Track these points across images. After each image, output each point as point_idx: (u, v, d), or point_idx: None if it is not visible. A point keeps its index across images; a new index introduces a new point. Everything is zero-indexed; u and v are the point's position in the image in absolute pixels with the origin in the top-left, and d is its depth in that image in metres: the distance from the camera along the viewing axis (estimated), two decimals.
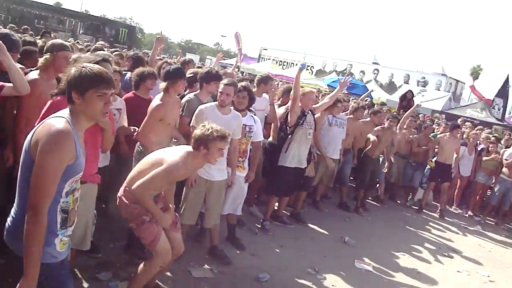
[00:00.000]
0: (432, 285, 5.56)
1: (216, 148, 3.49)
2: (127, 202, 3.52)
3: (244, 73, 22.10)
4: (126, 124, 4.59)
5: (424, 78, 36.32)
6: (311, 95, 6.07)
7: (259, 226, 6.09)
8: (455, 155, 9.16)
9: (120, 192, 3.60)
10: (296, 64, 25.45)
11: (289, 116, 5.96)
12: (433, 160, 9.12)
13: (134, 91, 5.03)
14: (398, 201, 9.43)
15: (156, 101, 4.41)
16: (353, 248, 6.20)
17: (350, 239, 6.38)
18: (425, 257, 6.51)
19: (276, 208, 6.45)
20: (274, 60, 40.70)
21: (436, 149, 9.22)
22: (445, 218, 9.00)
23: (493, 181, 9.62)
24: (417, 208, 9.15)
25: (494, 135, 11.15)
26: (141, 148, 4.37)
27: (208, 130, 3.47)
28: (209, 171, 4.51)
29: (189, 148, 3.57)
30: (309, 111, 6.00)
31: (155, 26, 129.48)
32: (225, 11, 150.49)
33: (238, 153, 4.94)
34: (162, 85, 4.45)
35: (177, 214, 3.91)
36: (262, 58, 44.10)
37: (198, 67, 7.83)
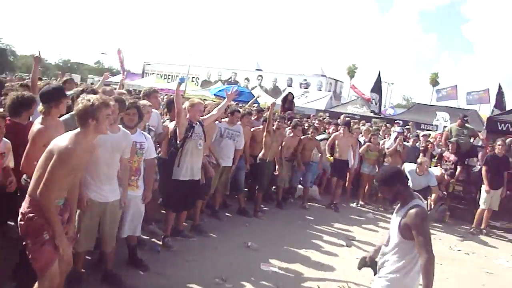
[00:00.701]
0: (336, 275, 5.79)
1: (103, 115, 3.42)
2: (33, 214, 3.28)
3: (132, 91, 21.53)
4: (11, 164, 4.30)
5: (306, 80, 38.06)
6: (199, 107, 6.05)
7: (161, 244, 5.94)
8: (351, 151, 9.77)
9: (24, 207, 3.34)
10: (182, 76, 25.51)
11: (177, 130, 5.89)
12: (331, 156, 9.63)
13: (10, 118, 4.62)
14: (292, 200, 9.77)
15: (37, 125, 4.11)
16: (257, 251, 6.28)
17: (253, 244, 6.45)
18: (326, 250, 6.78)
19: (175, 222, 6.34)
20: (158, 74, 40.22)
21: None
22: (340, 211, 9.49)
23: (377, 170, 10.32)
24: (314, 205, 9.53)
25: (375, 128, 12.05)
26: (28, 179, 4.04)
27: (89, 101, 3.38)
28: (102, 192, 4.30)
29: (77, 129, 3.42)
30: (198, 122, 5.98)
31: (28, 47, 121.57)
32: (104, 28, 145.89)
33: (130, 172, 4.78)
34: (41, 107, 4.17)
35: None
36: (146, 73, 43.42)
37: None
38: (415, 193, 3.49)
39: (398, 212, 3.44)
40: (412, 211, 3.29)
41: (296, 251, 6.55)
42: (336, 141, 9.65)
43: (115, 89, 7.12)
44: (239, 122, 7.66)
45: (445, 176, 9.88)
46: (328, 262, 6.23)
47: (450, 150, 10.19)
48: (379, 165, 10.24)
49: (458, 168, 10.08)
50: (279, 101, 16.91)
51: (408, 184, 9.47)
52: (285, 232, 7.50)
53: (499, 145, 9.30)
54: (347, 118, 11.75)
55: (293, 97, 13.42)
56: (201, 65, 42.16)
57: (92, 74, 47.03)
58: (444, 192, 9.80)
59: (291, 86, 33.73)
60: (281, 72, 41.09)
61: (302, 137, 9.25)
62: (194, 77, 39.80)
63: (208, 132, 6.38)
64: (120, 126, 4.60)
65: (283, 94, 21.97)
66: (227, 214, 7.99)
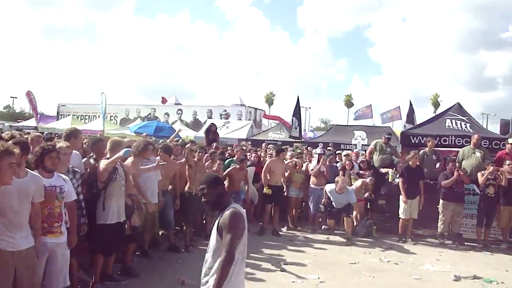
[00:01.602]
0: None
1: (6, 164, 3.27)
2: None
3: (44, 133, 20.62)
4: None
5: (225, 111, 38.35)
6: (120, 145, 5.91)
7: None
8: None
9: None
10: (99, 116, 24.73)
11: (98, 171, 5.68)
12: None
13: None
14: None
15: None
16: (193, 287, 6.13)
17: (188, 280, 6.30)
18: (262, 277, 6.75)
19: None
20: (74, 115, 38.84)
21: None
22: (270, 236, 9.53)
23: (303, 193, 10.58)
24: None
25: (298, 151, 12.35)
26: None
27: None
28: (13, 240, 4.01)
29: None
30: (118, 163, 5.81)
31: None
32: (13, 71, 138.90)
33: (52, 218, 4.52)
34: None
35: None
36: (61, 114, 41.76)
37: None
38: (235, 203, 3.64)
39: (218, 217, 3.49)
40: (227, 212, 3.40)
41: None
42: (270, 168, 9.79)
43: (29, 133, 6.80)
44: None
45: (368, 181, 10.25)
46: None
47: (362, 167, 10.65)
48: (305, 188, 10.51)
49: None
50: (202, 133, 16.92)
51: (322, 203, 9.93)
52: None
53: (411, 157, 9.87)
54: (282, 147, 12.05)
55: (216, 128, 13.47)
56: (117, 103, 41.34)
57: (2, 120, 44.51)
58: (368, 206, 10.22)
59: (211, 118, 33.85)
60: (200, 105, 41.25)
61: (231, 169, 9.41)
62: (112, 116, 38.89)
63: (128, 172, 6.20)
64: (28, 170, 4.33)
65: (205, 126, 22.05)
66: (157, 252, 7.76)
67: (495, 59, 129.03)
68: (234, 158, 10.40)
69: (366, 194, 10.32)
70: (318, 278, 6.81)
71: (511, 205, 9.37)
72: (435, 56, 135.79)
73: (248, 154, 11.57)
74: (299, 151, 12.93)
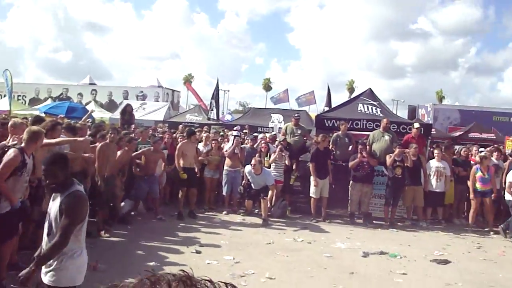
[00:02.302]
0: None
1: None
2: None
3: None
4: None
5: (142, 92, 37.46)
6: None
7: None
8: None
9: None
10: (5, 95, 23.22)
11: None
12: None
13: None
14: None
15: None
16: (105, 272, 5.96)
17: (101, 265, 6.11)
18: (176, 260, 6.71)
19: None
20: None
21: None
22: (186, 219, 9.49)
23: (219, 175, 10.62)
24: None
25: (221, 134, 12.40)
26: None
27: None
28: None
29: None
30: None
31: None
32: None
33: None
34: None
35: None
36: None
37: None
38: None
39: (59, 197, 3.40)
40: (71, 194, 3.35)
41: (146, 265, 6.36)
42: (182, 151, 9.65)
43: None
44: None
45: (286, 161, 10.46)
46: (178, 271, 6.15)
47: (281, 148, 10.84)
48: (221, 169, 10.56)
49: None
50: (117, 114, 16.39)
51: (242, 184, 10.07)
52: (132, 247, 7.26)
53: (321, 140, 10.22)
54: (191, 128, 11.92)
55: (132, 109, 13.10)
56: (26, 82, 39.01)
57: None
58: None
59: (127, 99, 32.87)
60: (116, 85, 39.94)
61: (144, 150, 9.19)
62: (20, 96, 36.63)
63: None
64: None
65: (121, 107, 21.41)
66: None
67: (405, 49, 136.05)
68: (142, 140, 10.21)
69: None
70: (233, 258, 6.89)
71: (416, 185, 10.04)
72: (350, 44, 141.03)
73: (161, 135, 11.38)
74: (221, 133, 12.96)
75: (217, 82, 23.46)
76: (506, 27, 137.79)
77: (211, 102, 22.09)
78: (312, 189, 10.14)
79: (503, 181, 10.10)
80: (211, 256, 6.97)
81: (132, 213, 9.38)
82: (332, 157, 10.68)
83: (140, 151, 9.34)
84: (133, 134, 9.85)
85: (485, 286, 6.40)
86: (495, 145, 12.73)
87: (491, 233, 9.83)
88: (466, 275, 6.88)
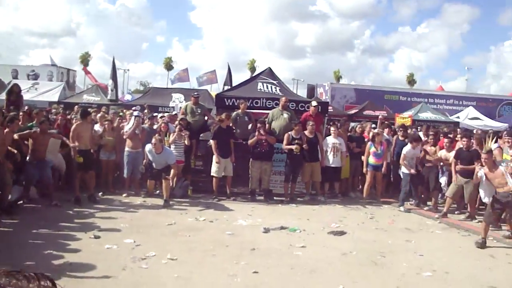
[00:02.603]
0: (87, 268, 5.52)
1: None
2: None
3: None
4: None
5: (34, 71, 35.10)
6: None
7: None
8: None
9: None
10: None
11: None
12: None
13: None
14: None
15: None
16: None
17: None
18: (75, 246, 6.39)
19: None
20: None
21: None
22: (84, 203, 9.10)
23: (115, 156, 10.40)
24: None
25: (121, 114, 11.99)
26: None
27: None
28: None
29: None
30: None
31: None
32: None
33: None
34: None
35: None
36: None
37: None
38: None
39: None
40: None
41: (42, 254, 6.02)
42: (78, 133, 9.17)
43: None
44: None
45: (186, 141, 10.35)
46: (76, 259, 5.88)
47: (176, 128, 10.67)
48: (118, 151, 10.23)
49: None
50: (4, 95, 15.23)
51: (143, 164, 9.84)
52: (25, 237, 6.80)
53: (223, 118, 10.24)
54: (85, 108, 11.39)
55: (20, 89, 12.21)
56: None
57: None
58: None
59: (17, 79, 30.64)
60: (3, 64, 37.00)
61: (28, 132, 8.57)
62: None
63: None
64: None
65: (8, 87, 19.92)
66: None
67: (305, 30, 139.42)
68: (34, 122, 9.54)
69: None
70: (134, 241, 6.71)
71: (313, 161, 10.41)
72: (252, 23, 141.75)
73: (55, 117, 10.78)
74: (120, 114, 12.50)
75: (113, 61, 22.68)
76: (396, 12, 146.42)
77: (108, 82, 21.31)
78: (214, 167, 10.14)
79: (392, 155, 10.88)
80: (111, 240, 6.73)
81: (22, 200, 8.77)
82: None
83: (25, 132, 8.61)
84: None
85: (376, 253, 6.80)
86: (386, 122, 13.59)
87: (383, 204, 10.53)
88: (360, 244, 7.29)
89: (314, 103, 11.68)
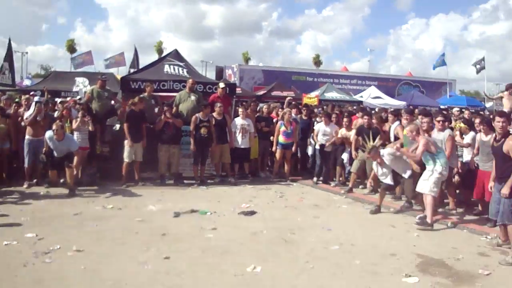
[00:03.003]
0: (3, 262, 5.17)
1: None
2: None
3: None
4: None
5: None
6: None
7: None
8: None
9: None
10: None
11: None
12: None
13: None
14: None
15: None
16: None
17: None
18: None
19: None
20: None
21: None
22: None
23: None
24: None
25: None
26: None
27: None
28: None
29: None
30: None
31: None
32: None
33: None
34: None
35: None
36: None
37: None
38: None
39: None
40: None
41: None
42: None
43: None
44: None
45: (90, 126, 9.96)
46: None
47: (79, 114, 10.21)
48: (13, 139, 9.65)
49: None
50: None
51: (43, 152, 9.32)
52: None
53: (136, 101, 9.99)
54: None
55: None
56: None
57: None
58: None
59: None
60: None
61: None
62: None
63: None
64: None
65: None
66: None
67: (213, 11, 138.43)
68: None
69: None
70: (36, 235, 6.34)
71: (222, 143, 10.45)
72: (159, 4, 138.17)
73: None
74: (17, 100, 11.68)
75: (9, 42, 21.15)
76: None
77: (2, 65, 19.84)
78: (126, 152, 9.83)
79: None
80: (10, 236, 6.31)
81: None
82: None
83: None
84: None
85: (286, 230, 7.00)
86: (294, 102, 13.93)
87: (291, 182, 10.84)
88: (270, 222, 7.46)
89: (221, 84, 11.69)
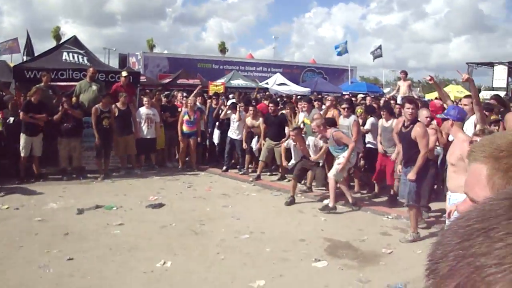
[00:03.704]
0: None
1: None
2: None
3: None
4: None
5: None
6: None
7: None
8: None
9: None
10: None
11: None
12: None
13: None
14: None
15: None
16: None
17: None
18: None
19: None
20: None
21: None
22: None
23: None
24: None
25: None
26: None
27: None
28: None
29: None
30: None
31: None
32: None
33: None
34: None
35: None
36: None
37: None
38: None
39: None
40: None
41: None
42: None
43: None
44: None
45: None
46: None
47: None
48: None
49: None
50: None
51: None
52: None
53: (33, 93, 9.33)
54: None
55: None
56: None
57: None
58: None
59: None
60: None
61: None
62: None
63: None
64: None
65: None
66: None
67: None
68: None
69: None
70: None
71: (127, 134, 10.10)
72: None
73: None
74: None
75: None
76: None
77: None
78: (22, 145, 9.15)
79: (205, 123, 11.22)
80: None
81: None
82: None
83: None
84: None
85: (195, 222, 6.94)
86: (199, 90, 13.75)
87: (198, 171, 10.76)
88: (179, 214, 7.36)
89: (124, 73, 11.26)
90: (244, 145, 10.41)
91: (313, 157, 8.30)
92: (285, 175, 10.02)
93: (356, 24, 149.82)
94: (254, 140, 10.65)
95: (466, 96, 7.00)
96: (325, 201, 7.87)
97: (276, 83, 24.68)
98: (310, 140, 8.57)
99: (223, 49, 43.69)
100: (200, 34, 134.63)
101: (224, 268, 5.24)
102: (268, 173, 10.60)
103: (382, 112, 8.49)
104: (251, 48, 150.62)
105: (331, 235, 6.47)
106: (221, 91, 17.03)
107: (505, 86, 32.33)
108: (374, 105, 10.81)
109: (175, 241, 6.12)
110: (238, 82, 22.54)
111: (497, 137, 1.06)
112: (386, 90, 25.12)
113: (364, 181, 9.27)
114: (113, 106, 9.91)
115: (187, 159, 11.27)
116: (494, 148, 1.02)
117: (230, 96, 15.32)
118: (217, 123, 11.39)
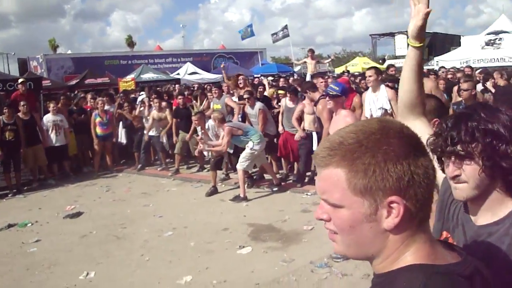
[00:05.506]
0: None
1: None
2: None
3: None
4: None
5: None
6: None
7: None
8: None
9: None
10: None
11: None
12: None
13: None
14: None
15: None
16: None
17: None
18: None
19: None
20: None
21: None
22: None
23: None
24: None
25: None
26: None
27: None
28: None
29: None
30: None
31: None
32: None
33: None
34: None
35: None
36: None
37: None
38: None
39: None
40: None
41: None
42: None
43: None
44: None
45: None
46: None
47: None
48: None
49: None
50: None
51: None
52: None
53: None
54: None
55: None
56: None
57: None
58: None
59: None
60: None
61: None
62: None
63: None
64: None
65: None
66: None
67: None
68: None
69: None
70: None
71: (34, 145, 9.56)
72: None
73: None
74: None
75: None
76: None
77: None
78: None
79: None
80: None
81: None
82: None
83: None
84: None
85: (117, 226, 6.78)
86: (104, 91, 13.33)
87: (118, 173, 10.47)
88: (99, 221, 7.13)
89: (21, 80, 10.62)
90: (146, 137, 10.27)
91: (215, 145, 8.20)
92: (204, 165, 10.00)
93: (261, 6, 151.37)
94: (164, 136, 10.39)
95: (369, 68, 7.25)
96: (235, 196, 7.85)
97: (187, 72, 24.45)
98: (210, 124, 8.66)
99: (130, 43, 42.46)
100: (105, 29, 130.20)
101: (149, 269, 5.15)
102: (186, 166, 10.49)
103: (287, 93, 8.65)
104: (160, 39, 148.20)
105: (254, 220, 6.55)
106: (131, 88, 16.57)
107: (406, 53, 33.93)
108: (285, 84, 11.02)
109: (97, 249, 5.93)
110: (149, 76, 22.05)
111: (343, 133, 0.97)
112: (296, 69, 25.57)
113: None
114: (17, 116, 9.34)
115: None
116: (345, 149, 0.94)
117: (141, 93, 14.93)
118: (120, 122, 11.07)
